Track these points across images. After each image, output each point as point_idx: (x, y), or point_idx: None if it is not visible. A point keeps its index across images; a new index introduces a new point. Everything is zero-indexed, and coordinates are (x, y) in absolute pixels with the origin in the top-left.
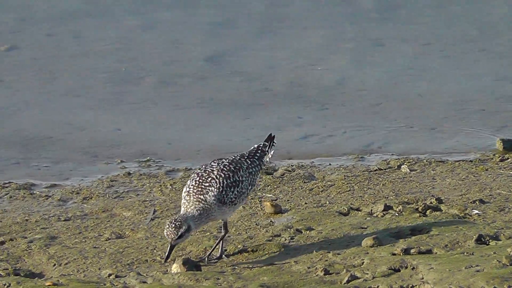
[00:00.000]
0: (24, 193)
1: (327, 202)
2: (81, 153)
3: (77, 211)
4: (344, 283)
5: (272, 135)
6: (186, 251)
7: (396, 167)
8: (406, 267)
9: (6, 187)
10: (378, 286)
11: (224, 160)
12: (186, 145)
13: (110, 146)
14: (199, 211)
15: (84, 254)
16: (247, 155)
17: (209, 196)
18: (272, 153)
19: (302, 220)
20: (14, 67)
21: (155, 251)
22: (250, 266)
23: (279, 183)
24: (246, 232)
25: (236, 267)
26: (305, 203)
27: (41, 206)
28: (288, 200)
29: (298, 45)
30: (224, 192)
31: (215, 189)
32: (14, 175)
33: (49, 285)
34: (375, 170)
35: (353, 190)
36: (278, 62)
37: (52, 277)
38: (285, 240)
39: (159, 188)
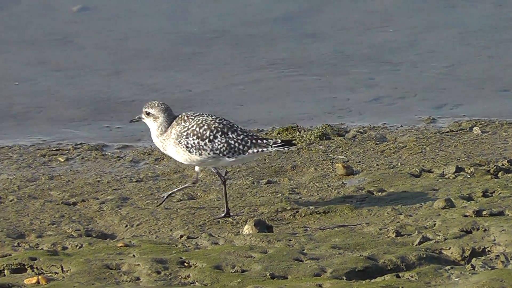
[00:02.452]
0: (96, 154)
1: (399, 164)
2: None
3: (149, 172)
4: (416, 245)
5: (293, 142)
6: (258, 212)
7: (468, 129)
8: (478, 229)
9: (78, 148)
10: (449, 248)
11: (225, 119)
12: (258, 106)
13: (182, 107)
14: (163, 122)
15: (156, 215)
16: (251, 134)
17: (176, 128)
18: (271, 151)
19: (373, 181)
20: (85, 27)
21: None
22: (322, 228)
23: (351, 144)
24: (317, 194)
25: (308, 228)
26: (377, 165)
27: (113, 167)
28: (359, 162)
29: (369, 7)
30: (187, 133)
31: (184, 126)
32: (86, 136)
33: (121, 246)
34: (447, 132)
35: (425, 152)
36: (350, 24)
37: (124, 238)
38: (357, 201)
39: None
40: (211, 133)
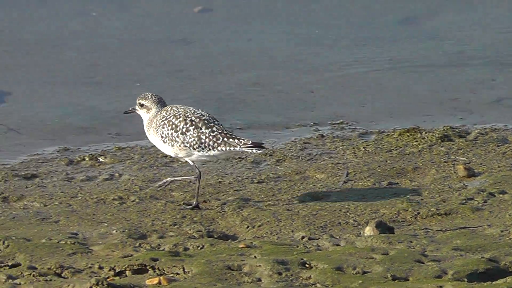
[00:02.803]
0: None
1: None
2: (275, 115)
3: (270, 173)
4: None
5: (263, 144)
6: (379, 213)
7: None
8: None
9: None
10: None
11: (208, 115)
12: (379, 107)
13: (303, 108)
14: (155, 114)
15: (277, 216)
16: (227, 132)
17: (157, 118)
18: (239, 150)
19: (495, 183)
20: (206, 28)
21: (348, 213)
22: (443, 230)
23: (472, 146)
24: (439, 195)
25: (429, 230)
26: (498, 167)
27: (234, 168)
28: (481, 164)
29: (489, 9)
30: (164, 123)
31: (163, 116)
32: None
33: (242, 247)
34: None
35: None
36: (470, 25)
37: (245, 239)
38: (478, 203)
39: (352, 151)
40: (184, 126)
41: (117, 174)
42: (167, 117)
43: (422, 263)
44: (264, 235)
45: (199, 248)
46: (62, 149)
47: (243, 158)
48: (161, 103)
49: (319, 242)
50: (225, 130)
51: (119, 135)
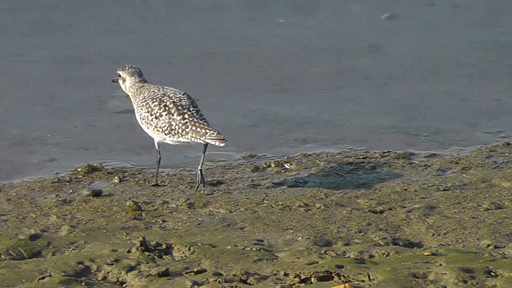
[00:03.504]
0: (403, 162)
1: None
2: (460, 123)
3: (456, 181)
4: None
5: (224, 139)
6: None
7: None
8: None
9: (385, 156)
10: None
11: (184, 98)
12: None
13: (490, 116)
14: (130, 85)
15: (462, 224)
16: (199, 122)
17: (139, 97)
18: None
19: None
20: (394, 36)
21: None
22: None
23: None
24: None
25: None
26: None
27: (420, 175)
28: None
29: None
30: (143, 105)
31: (143, 97)
32: (393, 144)
33: (427, 255)
34: None
35: None
36: None
37: (430, 246)
38: None
39: None
40: (158, 111)
41: (302, 181)
42: (147, 99)
43: None
44: (450, 242)
45: (384, 256)
46: (248, 156)
47: (429, 166)
48: (136, 75)
49: (505, 250)
50: (197, 118)
51: (304, 142)
